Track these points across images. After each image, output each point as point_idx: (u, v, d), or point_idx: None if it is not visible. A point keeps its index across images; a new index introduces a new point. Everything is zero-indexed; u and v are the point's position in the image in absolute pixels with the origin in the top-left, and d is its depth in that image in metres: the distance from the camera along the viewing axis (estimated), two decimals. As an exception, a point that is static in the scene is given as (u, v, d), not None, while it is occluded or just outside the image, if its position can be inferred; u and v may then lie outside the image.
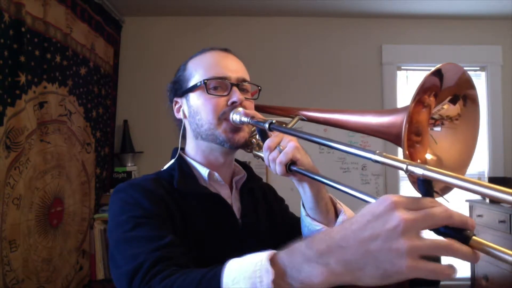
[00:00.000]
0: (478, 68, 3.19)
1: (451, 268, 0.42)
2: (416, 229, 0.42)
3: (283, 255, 0.51)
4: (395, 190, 3.08)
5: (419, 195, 0.49)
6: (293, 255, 0.50)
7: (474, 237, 0.43)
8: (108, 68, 2.81)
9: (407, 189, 3.09)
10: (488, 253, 0.42)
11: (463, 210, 2.91)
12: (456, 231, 0.43)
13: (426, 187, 0.48)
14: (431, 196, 0.48)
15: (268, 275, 0.49)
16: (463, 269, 3.00)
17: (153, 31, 3.14)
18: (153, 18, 3.13)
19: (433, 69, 0.61)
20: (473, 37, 3.15)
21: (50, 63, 1.96)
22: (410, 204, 0.44)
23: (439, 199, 0.49)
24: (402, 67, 3.21)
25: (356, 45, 3.18)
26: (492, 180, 2.94)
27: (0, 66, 1.58)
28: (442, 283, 2.91)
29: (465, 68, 0.64)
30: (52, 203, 1.99)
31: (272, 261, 0.51)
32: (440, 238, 0.44)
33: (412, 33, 3.17)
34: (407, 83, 3.22)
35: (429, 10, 2.99)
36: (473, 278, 2.88)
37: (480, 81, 3.18)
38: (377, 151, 0.54)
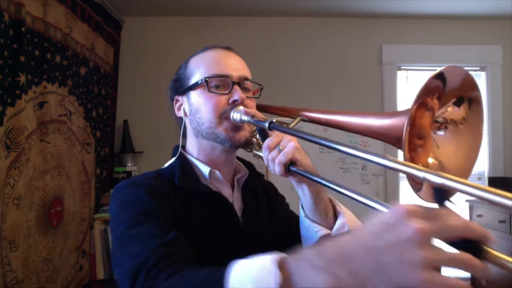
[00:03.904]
0: (478, 68, 3.19)
1: (475, 264, 0.40)
2: (431, 237, 0.40)
3: (291, 260, 0.50)
4: (395, 190, 3.08)
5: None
6: (301, 261, 0.49)
7: (487, 249, 0.40)
8: (108, 68, 2.81)
9: (407, 189, 3.09)
10: (501, 265, 0.40)
11: (463, 210, 2.91)
12: (470, 243, 0.40)
13: (441, 197, 0.45)
14: (442, 204, 0.46)
15: (276, 279, 0.48)
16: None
17: (153, 31, 3.14)
18: (153, 18, 3.12)
19: (435, 72, 0.60)
20: (473, 37, 3.15)
21: (50, 63, 1.96)
22: (425, 214, 0.42)
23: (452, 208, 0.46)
24: (402, 67, 3.21)
25: (356, 45, 3.18)
26: (492, 180, 2.94)
27: (0, 66, 1.58)
28: (442, 283, 2.91)
29: (465, 69, 0.63)
30: (52, 203, 1.99)
31: (279, 265, 0.50)
32: (456, 251, 0.41)
33: (412, 33, 3.17)
34: (407, 83, 3.22)
35: (429, 10, 2.99)
36: (473, 278, 2.88)
37: (480, 81, 3.17)
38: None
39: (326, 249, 0.47)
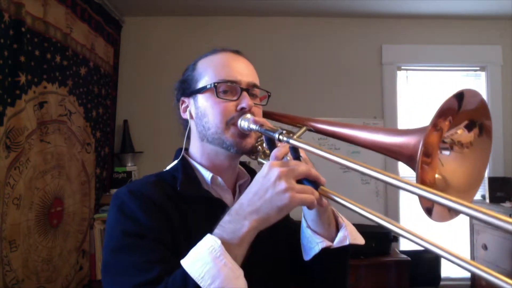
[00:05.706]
0: (478, 68, 3.18)
1: (314, 192, 0.67)
2: (289, 176, 0.66)
3: (217, 230, 0.68)
4: (395, 190, 3.08)
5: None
6: (222, 226, 0.68)
7: (322, 187, 0.69)
8: (108, 68, 2.81)
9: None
10: (331, 198, 0.66)
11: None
12: (312, 182, 0.69)
13: (295, 153, 0.76)
14: (298, 159, 0.76)
15: (217, 242, 0.65)
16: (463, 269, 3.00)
17: (153, 31, 3.14)
18: (153, 18, 3.12)
19: (454, 92, 0.61)
20: (473, 37, 3.15)
21: (50, 63, 1.96)
22: (283, 164, 0.69)
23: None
24: (402, 67, 3.21)
25: (356, 45, 3.18)
26: (492, 180, 2.94)
27: (0, 66, 1.58)
28: (442, 283, 2.91)
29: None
30: (52, 203, 1.99)
31: (215, 235, 0.66)
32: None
33: (412, 33, 3.17)
34: (407, 83, 3.22)
35: (429, 10, 2.99)
36: (473, 278, 2.88)
37: (480, 81, 3.17)
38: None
39: (231, 210, 0.69)
